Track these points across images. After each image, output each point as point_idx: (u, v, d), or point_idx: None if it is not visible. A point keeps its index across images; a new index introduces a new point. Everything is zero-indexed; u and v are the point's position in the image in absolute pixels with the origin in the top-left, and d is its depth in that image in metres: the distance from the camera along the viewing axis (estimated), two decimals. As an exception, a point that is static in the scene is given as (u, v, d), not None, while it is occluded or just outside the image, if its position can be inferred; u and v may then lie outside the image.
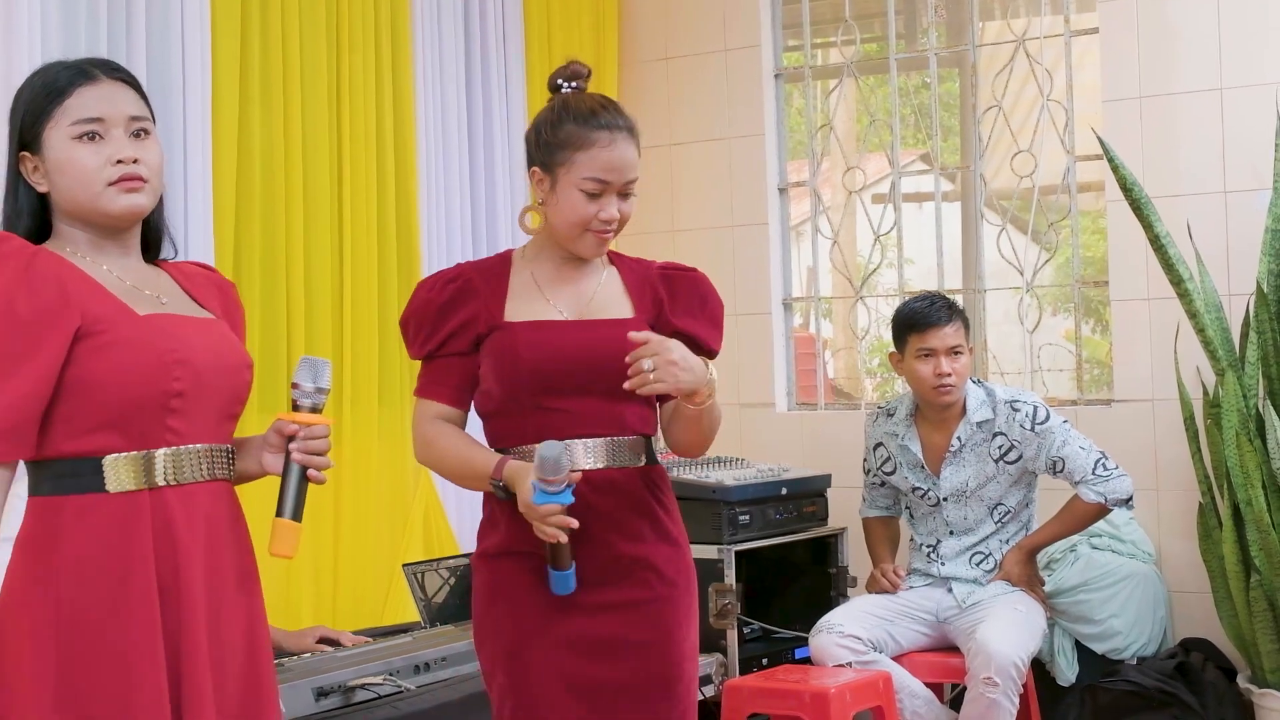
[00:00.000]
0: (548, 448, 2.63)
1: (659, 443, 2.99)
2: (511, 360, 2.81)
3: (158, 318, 2.39)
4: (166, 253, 2.55)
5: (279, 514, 2.43)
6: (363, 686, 3.51)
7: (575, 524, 2.67)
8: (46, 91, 2.39)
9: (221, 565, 2.41)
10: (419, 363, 2.95)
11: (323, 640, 3.91)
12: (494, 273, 2.90)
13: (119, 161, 2.37)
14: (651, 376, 2.67)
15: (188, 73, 4.22)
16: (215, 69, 4.28)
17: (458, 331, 2.85)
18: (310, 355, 2.51)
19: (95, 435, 2.31)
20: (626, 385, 2.69)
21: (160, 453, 2.34)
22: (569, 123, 2.85)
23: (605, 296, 2.92)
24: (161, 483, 2.34)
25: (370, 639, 3.99)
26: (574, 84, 2.94)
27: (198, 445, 2.39)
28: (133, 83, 2.46)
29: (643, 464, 2.87)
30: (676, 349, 2.70)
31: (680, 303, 2.96)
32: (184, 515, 2.36)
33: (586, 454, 2.81)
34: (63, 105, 2.38)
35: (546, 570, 2.75)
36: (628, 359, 2.69)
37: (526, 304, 2.86)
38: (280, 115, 4.50)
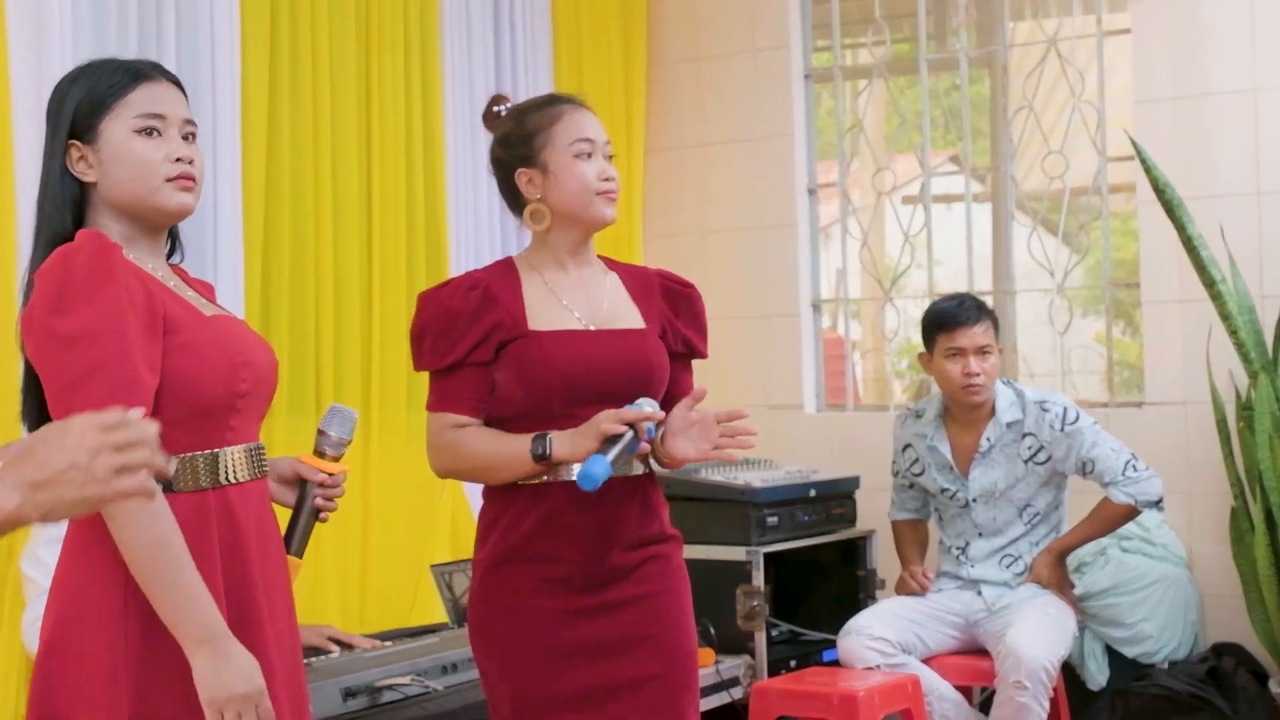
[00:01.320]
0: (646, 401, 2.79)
1: None
2: (543, 370, 2.84)
3: (220, 319, 2.44)
4: (175, 258, 2.58)
5: (286, 549, 2.51)
6: (390, 687, 3.52)
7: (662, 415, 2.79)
8: (110, 84, 2.41)
9: (270, 561, 2.46)
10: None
11: (333, 641, 3.90)
12: (507, 280, 2.93)
13: (178, 159, 2.41)
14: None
15: (217, 74, 4.23)
16: (244, 71, 4.29)
17: (482, 340, 2.86)
18: (340, 404, 2.59)
19: (167, 433, 2.30)
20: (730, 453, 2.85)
21: (227, 451, 2.38)
22: (529, 114, 2.99)
23: (615, 304, 2.98)
24: (224, 481, 2.37)
25: (383, 641, 3.97)
26: (504, 105, 3.07)
27: (249, 444, 2.43)
28: (183, 89, 2.52)
29: (643, 472, 2.96)
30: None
31: (683, 317, 3.06)
32: (243, 513, 2.39)
33: None
34: (125, 99, 2.40)
35: (592, 459, 2.70)
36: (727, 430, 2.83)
37: (546, 312, 2.90)
38: (310, 117, 4.50)
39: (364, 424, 4.62)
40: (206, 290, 2.59)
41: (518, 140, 2.96)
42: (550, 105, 2.99)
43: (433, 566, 4.38)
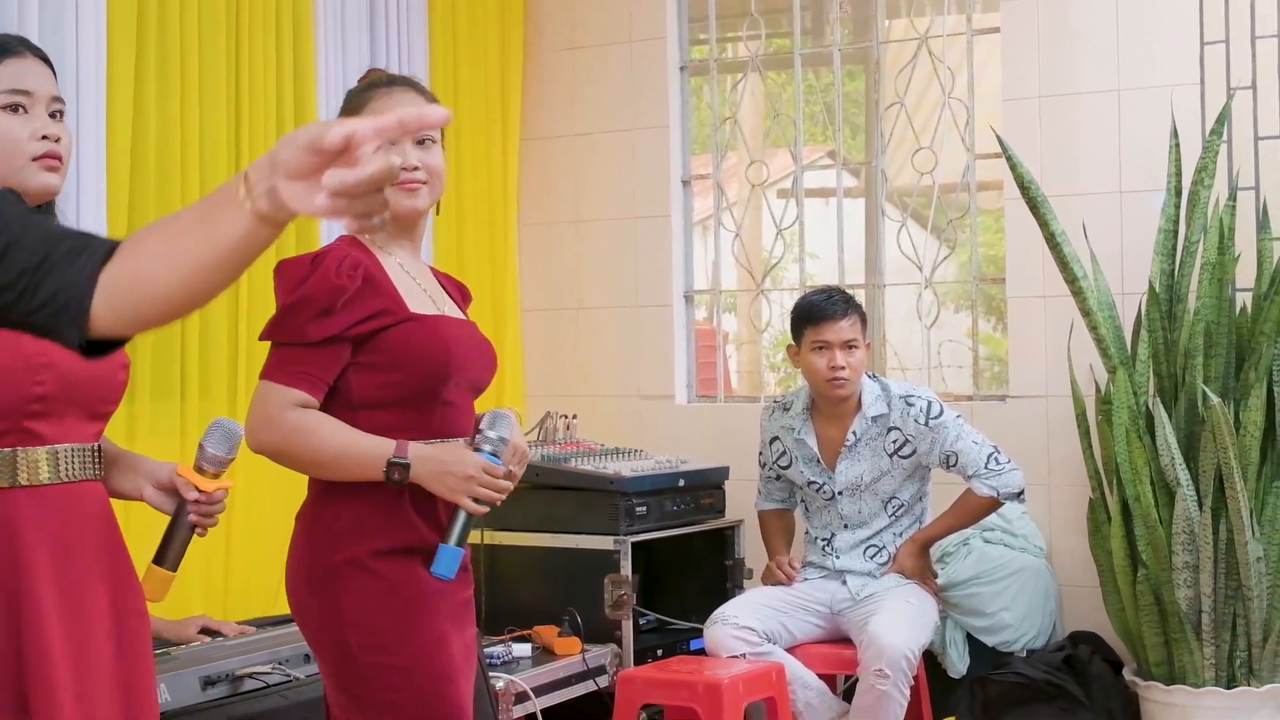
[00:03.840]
0: (505, 413, 2.75)
1: None
2: (440, 353, 2.76)
3: None
4: None
5: (159, 563, 2.45)
6: (250, 675, 3.48)
7: (504, 494, 2.74)
8: None
9: (81, 562, 2.35)
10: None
11: (204, 631, 3.87)
12: (375, 261, 2.82)
13: (44, 138, 2.34)
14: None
15: (81, 51, 4.12)
16: (110, 48, 4.19)
17: (362, 321, 2.73)
18: (225, 419, 2.50)
19: None
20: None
21: (18, 452, 2.30)
22: (351, 98, 2.89)
23: (441, 295, 2.95)
24: (11, 483, 2.29)
25: (255, 629, 3.95)
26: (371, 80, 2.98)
27: (60, 446, 2.34)
28: (50, 64, 2.43)
29: None
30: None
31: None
32: (34, 516, 2.30)
33: None
34: None
35: (442, 551, 2.67)
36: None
37: (414, 296, 2.83)
38: (177, 97, 4.43)
39: (229, 407, 4.57)
40: None
41: None
42: (363, 91, 2.88)
43: (298, 554, 4.34)
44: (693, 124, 5.86)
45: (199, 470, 2.45)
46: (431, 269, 3.04)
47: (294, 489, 4.68)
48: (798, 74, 5.60)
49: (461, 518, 2.69)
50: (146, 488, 2.46)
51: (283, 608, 4.52)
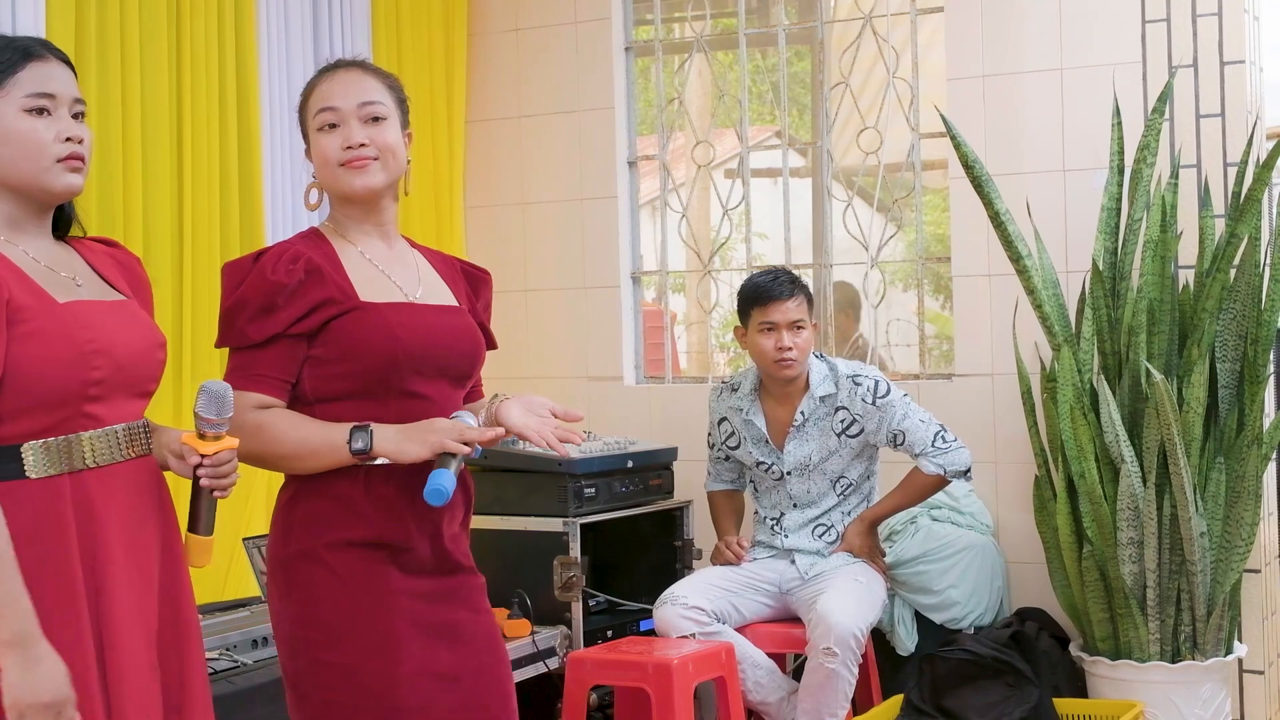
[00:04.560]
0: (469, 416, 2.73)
1: None
2: (386, 342, 2.71)
3: (75, 305, 2.40)
4: (74, 231, 2.57)
5: (192, 530, 2.51)
6: (197, 662, 3.46)
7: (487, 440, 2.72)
8: None
9: (145, 537, 2.45)
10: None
11: None
12: (325, 251, 2.77)
13: (68, 139, 2.42)
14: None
15: (18, 31, 4.09)
16: (49, 31, 4.16)
17: (306, 315, 2.69)
18: (209, 382, 2.49)
19: (14, 422, 2.33)
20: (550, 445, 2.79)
21: (82, 436, 2.37)
22: (303, 92, 2.89)
23: (430, 280, 2.90)
24: (81, 466, 2.37)
25: (203, 614, 3.92)
26: None
27: (116, 426, 2.42)
28: (72, 67, 2.51)
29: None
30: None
31: (480, 303, 3.01)
32: (103, 495, 2.39)
33: None
34: (15, 77, 2.41)
35: (431, 475, 2.64)
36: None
37: (373, 284, 2.77)
38: (118, 81, 4.38)
39: (175, 398, 4.53)
40: (116, 264, 2.56)
41: (299, 113, 2.89)
42: (317, 75, 2.86)
43: (245, 540, 4.33)
44: (639, 104, 5.85)
45: (200, 435, 2.48)
46: (434, 254, 2.98)
47: (245, 475, 4.68)
48: (743, 54, 5.60)
49: (454, 462, 2.67)
50: (170, 458, 2.53)
51: (230, 593, 4.54)
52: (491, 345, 3.01)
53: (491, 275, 3.09)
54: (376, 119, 2.78)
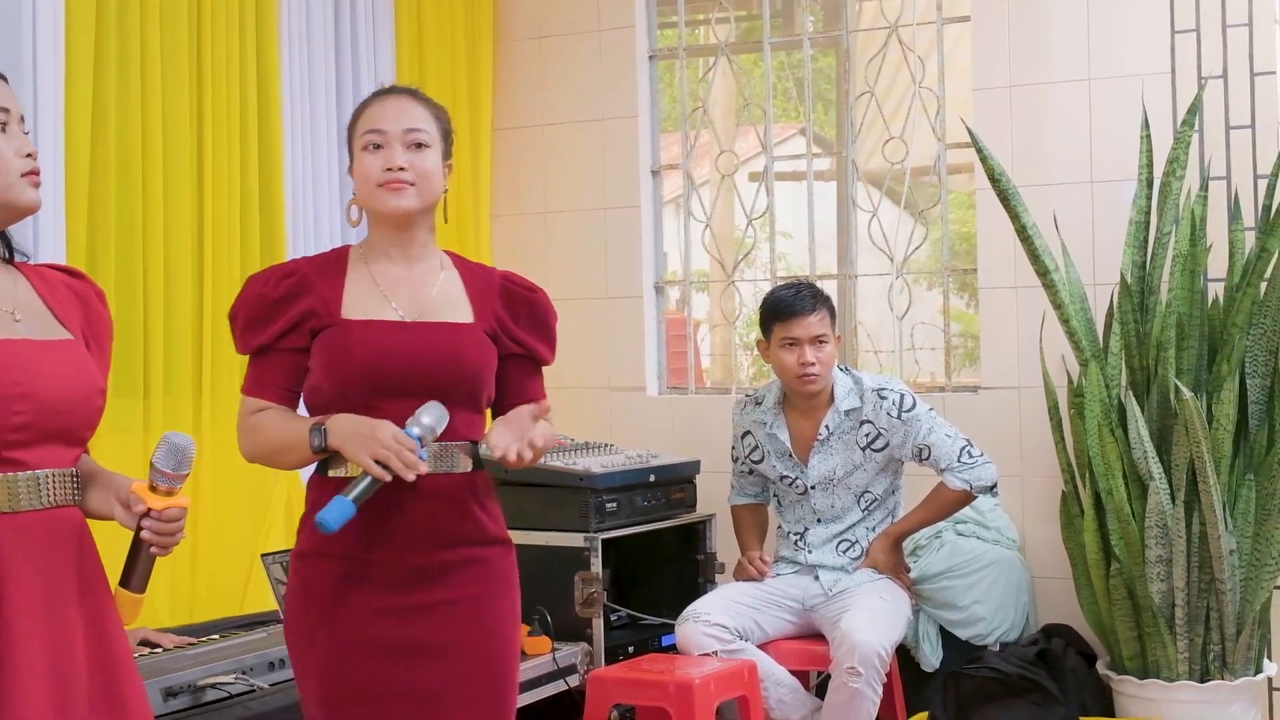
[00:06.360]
0: (435, 406, 2.73)
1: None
2: (343, 358, 2.79)
3: (5, 345, 2.30)
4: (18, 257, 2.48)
5: (124, 585, 2.40)
6: (213, 685, 3.45)
7: (424, 469, 2.69)
8: None
9: (61, 586, 2.33)
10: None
11: (143, 642, 3.81)
12: (330, 269, 2.88)
13: (28, 155, 2.36)
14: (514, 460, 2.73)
15: (39, 47, 4.06)
16: (69, 53, 4.12)
17: (292, 327, 2.82)
18: (175, 434, 2.41)
19: None
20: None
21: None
22: (360, 107, 2.98)
23: (444, 298, 2.91)
24: None
25: (191, 639, 3.89)
26: None
27: (40, 472, 2.32)
28: (5, 78, 2.44)
29: (469, 469, 2.87)
30: (539, 437, 2.75)
31: (522, 319, 2.99)
32: (16, 542, 2.28)
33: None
34: None
35: (334, 500, 2.64)
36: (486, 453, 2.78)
37: (364, 302, 2.85)
38: (138, 91, 4.36)
39: (195, 409, 4.52)
40: (74, 297, 2.47)
41: (346, 136, 2.99)
42: (368, 100, 2.97)
43: (263, 555, 4.30)
44: (664, 102, 5.80)
45: (151, 488, 2.38)
46: (474, 271, 2.99)
47: (258, 488, 4.67)
48: (767, 58, 5.55)
49: (365, 480, 2.66)
50: (116, 507, 2.41)
51: (250, 607, 4.52)
52: (536, 360, 3.01)
53: (544, 292, 3.06)
54: (419, 145, 2.88)
